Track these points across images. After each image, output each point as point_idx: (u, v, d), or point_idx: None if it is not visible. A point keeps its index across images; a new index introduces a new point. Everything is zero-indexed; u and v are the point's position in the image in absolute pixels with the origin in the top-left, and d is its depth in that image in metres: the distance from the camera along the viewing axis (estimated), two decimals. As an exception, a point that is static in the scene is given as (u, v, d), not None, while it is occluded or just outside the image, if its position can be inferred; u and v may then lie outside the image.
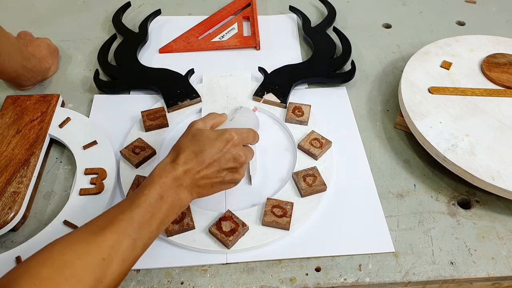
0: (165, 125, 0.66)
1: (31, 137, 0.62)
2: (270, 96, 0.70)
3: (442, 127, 0.62)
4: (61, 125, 0.64)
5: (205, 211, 0.56)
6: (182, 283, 0.51)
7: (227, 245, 0.52)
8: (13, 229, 0.55)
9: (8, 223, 0.53)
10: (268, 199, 0.56)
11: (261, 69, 0.75)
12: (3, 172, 0.58)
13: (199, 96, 0.70)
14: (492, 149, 0.59)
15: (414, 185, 0.62)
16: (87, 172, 0.59)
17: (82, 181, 0.58)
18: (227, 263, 0.53)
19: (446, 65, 0.71)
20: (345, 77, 0.75)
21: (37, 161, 0.59)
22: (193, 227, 0.54)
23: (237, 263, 0.53)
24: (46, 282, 0.37)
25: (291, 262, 0.53)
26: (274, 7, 0.95)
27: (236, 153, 0.51)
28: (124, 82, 0.74)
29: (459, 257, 0.54)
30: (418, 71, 0.70)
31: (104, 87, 0.73)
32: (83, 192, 0.57)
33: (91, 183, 0.57)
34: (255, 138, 0.56)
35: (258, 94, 0.70)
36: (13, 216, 0.53)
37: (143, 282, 0.51)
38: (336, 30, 0.85)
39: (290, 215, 0.55)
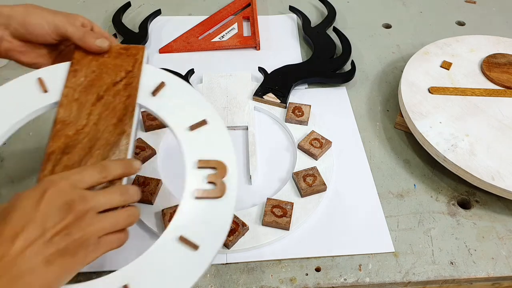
0: (165, 125, 0.66)
1: (118, 107, 0.44)
2: (270, 96, 0.70)
3: (442, 127, 0.62)
4: (154, 92, 0.47)
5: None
6: (182, 283, 0.51)
7: (227, 245, 0.52)
8: None
9: None
10: (268, 199, 0.56)
11: (261, 69, 0.75)
12: (87, 157, 0.41)
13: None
14: (492, 149, 0.59)
15: (414, 185, 0.62)
16: (201, 165, 0.42)
17: (196, 178, 0.42)
18: (227, 263, 0.53)
19: (446, 65, 0.71)
20: (345, 77, 0.75)
21: (129, 143, 0.42)
22: None
23: (237, 263, 0.53)
24: None
25: (291, 262, 0.53)
26: (274, 7, 0.95)
27: (65, 199, 0.35)
28: (124, 82, 0.74)
29: (459, 257, 0.54)
30: (418, 71, 0.70)
31: None
32: (199, 195, 0.41)
33: (209, 182, 0.42)
34: (107, 173, 0.38)
35: (258, 94, 0.70)
36: None
37: (143, 282, 0.51)
38: (336, 30, 0.85)
39: (290, 215, 0.55)
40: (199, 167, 0.43)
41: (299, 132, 0.66)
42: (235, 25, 0.87)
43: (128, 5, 0.91)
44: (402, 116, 0.66)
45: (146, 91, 0.47)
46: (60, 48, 0.51)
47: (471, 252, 0.54)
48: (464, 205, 0.60)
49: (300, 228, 0.56)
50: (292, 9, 0.92)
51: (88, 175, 0.37)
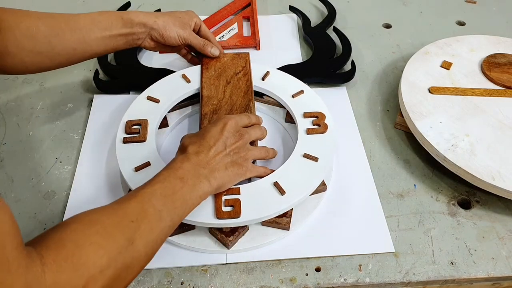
0: (165, 125, 0.66)
1: (242, 87, 0.66)
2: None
3: (442, 127, 0.62)
4: (263, 78, 0.69)
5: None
6: (182, 283, 0.51)
7: (227, 245, 0.52)
8: None
9: None
10: None
11: None
12: (230, 114, 0.61)
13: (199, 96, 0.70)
14: (492, 149, 0.59)
15: (414, 185, 0.62)
16: (307, 115, 0.62)
17: (304, 123, 0.62)
18: (227, 263, 0.53)
19: (446, 65, 0.71)
20: (345, 77, 0.75)
21: (255, 106, 0.65)
22: (193, 227, 0.54)
23: (237, 263, 0.53)
24: (76, 233, 0.38)
25: (291, 262, 0.53)
26: (274, 7, 0.95)
27: (236, 129, 0.53)
28: (124, 82, 0.74)
29: (459, 257, 0.54)
30: (418, 71, 0.70)
31: (104, 87, 0.73)
32: (310, 131, 0.60)
33: (314, 124, 0.61)
34: (250, 120, 0.58)
35: (258, 94, 0.70)
36: None
37: (143, 282, 0.51)
38: (336, 30, 0.85)
39: (290, 215, 0.55)
40: (305, 117, 0.62)
41: (299, 132, 0.66)
42: (235, 25, 0.87)
43: (128, 5, 0.91)
44: (402, 116, 0.66)
45: (257, 77, 0.69)
46: (178, 46, 0.71)
47: (471, 252, 0.54)
48: (464, 205, 0.60)
49: (300, 228, 0.56)
50: (292, 9, 0.91)
51: (243, 119, 0.56)
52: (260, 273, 0.52)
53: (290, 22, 0.91)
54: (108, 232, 0.40)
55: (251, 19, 0.89)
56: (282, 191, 0.53)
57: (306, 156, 0.57)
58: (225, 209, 0.51)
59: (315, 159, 0.57)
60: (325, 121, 0.61)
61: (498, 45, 0.75)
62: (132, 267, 0.41)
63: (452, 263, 0.53)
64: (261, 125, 0.60)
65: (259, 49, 0.83)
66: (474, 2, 0.97)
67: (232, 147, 0.52)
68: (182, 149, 0.51)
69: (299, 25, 0.89)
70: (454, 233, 0.56)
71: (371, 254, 0.54)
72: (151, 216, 0.43)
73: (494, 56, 0.72)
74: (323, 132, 0.60)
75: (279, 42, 0.85)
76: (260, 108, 0.70)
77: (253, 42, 0.83)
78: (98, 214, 0.41)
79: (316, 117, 0.62)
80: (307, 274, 0.52)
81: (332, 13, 0.89)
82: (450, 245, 0.55)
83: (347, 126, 0.69)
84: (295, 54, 0.83)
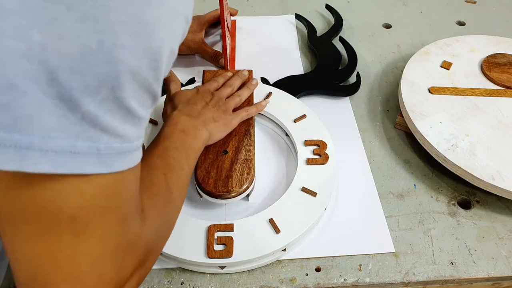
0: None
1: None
2: None
3: (442, 127, 0.62)
4: (265, 99, 0.67)
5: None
6: (182, 283, 0.51)
7: (221, 267, 0.52)
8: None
9: (247, 187, 0.55)
10: None
11: (264, 80, 0.74)
12: (230, 141, 0.60)
13: None
14: (492, 149, 0.59)
15: (414, 185, 0.62)
16: (308, 144, 0.60)
17: (305, 152, 0.60)
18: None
19: (446, 65, 0.71)
20: (350, 90, 0.73)
21: (254, 131, 0.62)
22: None
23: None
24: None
25: (291, 262, 0.53)
26: (274, 8, 0.95)
27: (207, 91, 0.59)
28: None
29: (459, 257, 0.54)
30: (418, 71, 0.70)
31: None
32: (310, 162, 0.58)
33: (315, 154, 0.59)
34: (218, 83, 0.63)
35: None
36: (250, 181, 0.55)
37: (143, 282, 0.51)
38: (342, 40, 0.82)
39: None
40: (306, 145, 0.60)
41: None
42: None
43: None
44: (402, 116, 0.66)
45: (259, 98, 0.67)
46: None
47: (471, 252, 0.54)
48: (464, 205, 0.60)
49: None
50: (298, 17, 0.89)
51: (211, 84, 0.62)
52: (260, 273, 0.52)
53: (290, 23, 0.90)
54: (153, 185, 0.41)
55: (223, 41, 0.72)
56: (277, 230, 0.51)
57: (305, 190, 0.55)
58: (217, 247, 0.50)
59: (314, 194, 0.55)
60: (326, 151, 0.59)
61: (498, 45, 0.75)
62: (172, 220, 0.43)
63: (452, 263, 0.53)
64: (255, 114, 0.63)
65: (227, 68, 0.74)
66: (474, 2, 0.97)
67: (212, 103, 0.57)
68: (172, 107, 0.55)
69: (298, 26, 0.89)
70: (454, 233, 0.56)
71: (371, 254, 0.54)
72: (174, 166, 0.46)
73: (494, 56, 0.72)
74: (323, 163, 0.58)
75: (279, 42, 0.85)
76: (260, 121, 0.68)
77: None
78: None
79: (318, 145, 0.60)
80: (307, 274, 0.52)
81: (339, 21, 0.87)
82: (450, 245, 0.55)
83: (347, 126, 0.69)
84: (295, 54, 0.82)
